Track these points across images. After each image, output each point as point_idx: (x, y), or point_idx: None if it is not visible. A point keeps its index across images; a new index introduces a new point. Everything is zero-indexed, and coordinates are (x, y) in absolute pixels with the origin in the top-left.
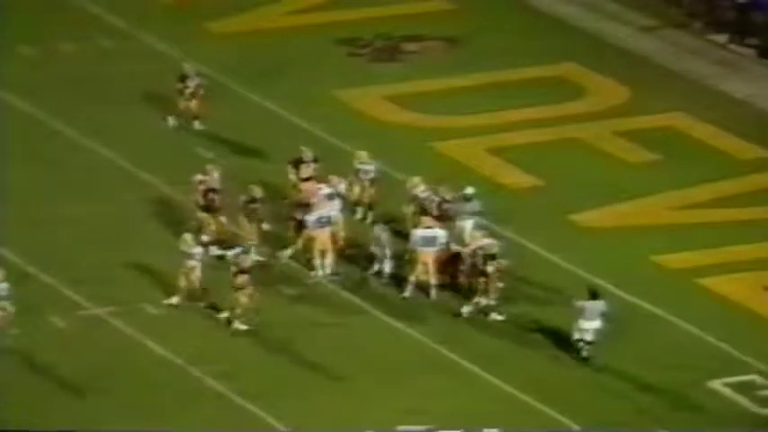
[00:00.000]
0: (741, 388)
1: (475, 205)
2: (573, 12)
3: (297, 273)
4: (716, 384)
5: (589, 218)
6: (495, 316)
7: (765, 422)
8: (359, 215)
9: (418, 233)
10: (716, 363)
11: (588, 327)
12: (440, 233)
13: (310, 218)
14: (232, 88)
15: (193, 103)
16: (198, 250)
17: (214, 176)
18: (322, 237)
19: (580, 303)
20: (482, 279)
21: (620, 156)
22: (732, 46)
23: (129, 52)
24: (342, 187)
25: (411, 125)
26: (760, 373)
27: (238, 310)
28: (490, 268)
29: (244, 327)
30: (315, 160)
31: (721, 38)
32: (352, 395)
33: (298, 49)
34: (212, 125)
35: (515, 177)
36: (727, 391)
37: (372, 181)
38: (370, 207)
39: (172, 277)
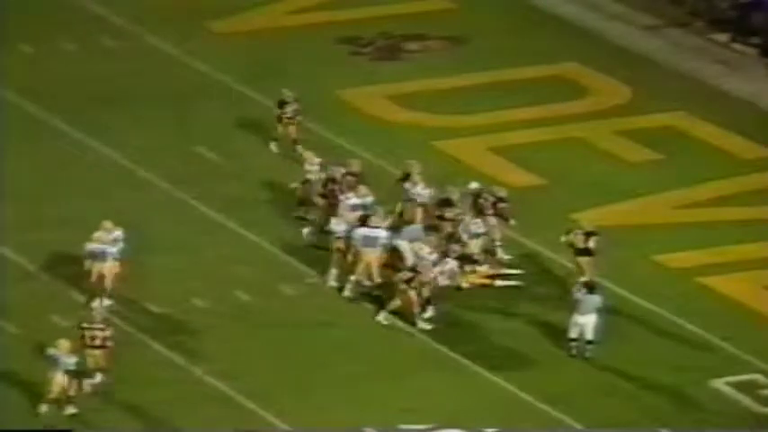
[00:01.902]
0: (743, 387)
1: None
2: (575, 11)
3: (297, 272)
4: (718, 383)
5: (591, 217)
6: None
7: (767, 421)
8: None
9: (360, 232)
10: (718, 362)
11: (583, 321)
12: (382, 234)
13: (343, 228)
14: (234, 87)
15: (292, 129)
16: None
17: (341, 169)
18: (369, 257)
19: (578, 295)
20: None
21: (622, 155)
22: (734, 45)
23: (131, 51)
24: (369, 200)
25: (413, 124)
26: (762, 372)
27: (416, 309)
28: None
29: (428, 326)
30: (296, 100)
31: (723, 37)
32: (353, 394)
33: (299, 48)
34: (214, 124)
35: (517, 176)
36: (730, 391)
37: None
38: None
39: (170, 276)
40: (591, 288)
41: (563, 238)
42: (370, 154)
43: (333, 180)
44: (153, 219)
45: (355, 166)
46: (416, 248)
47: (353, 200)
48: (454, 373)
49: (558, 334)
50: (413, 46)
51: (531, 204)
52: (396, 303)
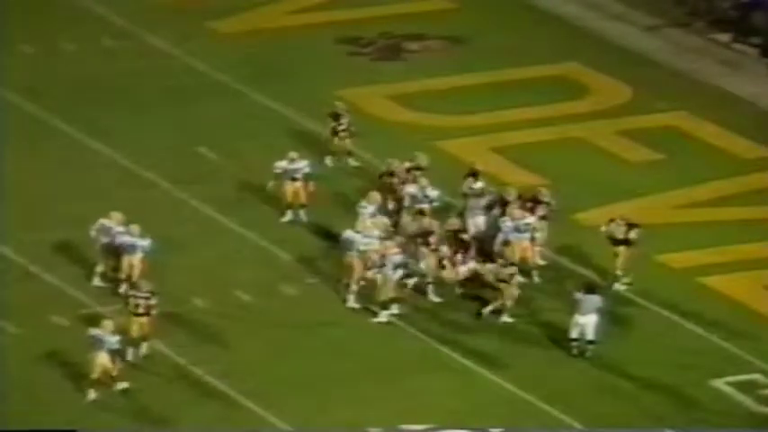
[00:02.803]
0: (744, 387)
1: (485, 200)
2: (575, 11)
3: (297, 272)
4: (718, 383)
5: (592, 217)
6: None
7: (767, 421)
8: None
9: (344, 235)
10: (718, 362)
11: (583, 321)
12: (357, 237)
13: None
14: (234, 87)
15: (346, 141)
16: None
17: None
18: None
19: (577, 295)
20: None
21: (623, 155)
22: (735, 45)
23: (131, 51)
24: (434, 193)
25: (414, 124)
26: (762, 372)
27: (508, 303)
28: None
29: (510, 319)
30: (348, 111)
31: (724, 37)
32: (354, 394)
33: (300, 48)
34: (214, 124)
35: (518, 176)
36: (730, 390)
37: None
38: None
39: (171, 275)
40: (591, 288)
41: (603, 228)
42: (370, 154)
43: (390, 174)
44: (153, 219)
45: (421, 159)
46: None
47: (412, 189)
48: (455, 373)
49: (558, 334)
50: (413, 46)
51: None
52: (499, 302)
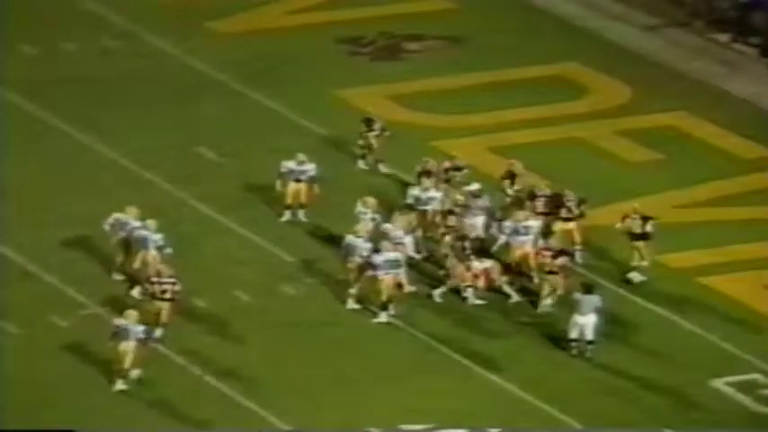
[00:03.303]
0: (743, 387)
1: (485, 201)
2: (575, 11)
3: (297, 272)
4: (718, 383)
5: (591, 217)
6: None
7: (767, 421)
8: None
9: (346, 240)
10: (718, 362)
11: (583, 322)
12: (359, 242)
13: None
14: (234, 87)
15: (377, 147)
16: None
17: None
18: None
19: (576, 296)
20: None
21: (622, 155)
22: (734, 45)
23: (131, 51)
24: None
25: (413, 124)
26: (762, 372)
27: (559, 291)
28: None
29: (549, 309)
30: (379, 118)
31: (723, 37)
32: (354, 394)
33: (299, 48)
34: (214, 124)
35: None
36: (729, 391)
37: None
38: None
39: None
40: (590, 288)
41: (618, 225)
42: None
43: (427, 173)
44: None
45: (460, 160)
46: None
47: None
48: (455, 373)
49: (558, 334)
50: (413, 46)
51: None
52: (548, 290)
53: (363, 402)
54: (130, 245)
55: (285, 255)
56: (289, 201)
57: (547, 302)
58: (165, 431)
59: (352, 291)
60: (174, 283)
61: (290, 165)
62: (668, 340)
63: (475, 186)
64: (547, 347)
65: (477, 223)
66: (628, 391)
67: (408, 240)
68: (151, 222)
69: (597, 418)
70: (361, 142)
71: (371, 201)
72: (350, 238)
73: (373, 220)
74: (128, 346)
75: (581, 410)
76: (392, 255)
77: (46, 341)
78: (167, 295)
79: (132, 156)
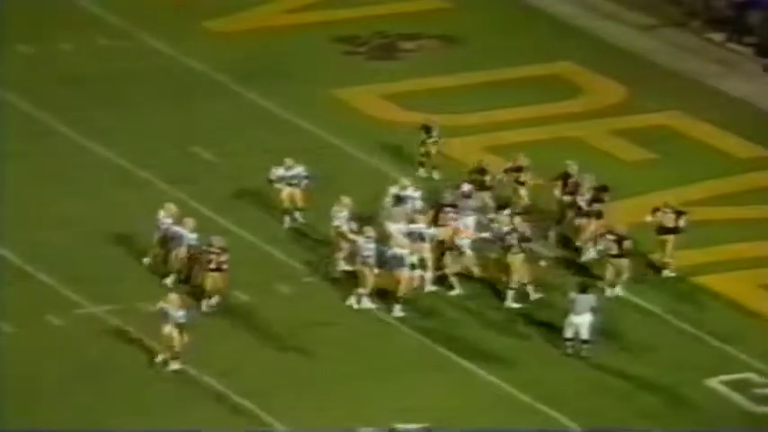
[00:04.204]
0: (738, 386)
1: (476, 201)
2: (570, 10)
3: (294, 271)
4: (713, 382)
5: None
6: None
7: (762, 420)
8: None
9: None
10: (712, 361)
11: (578, 321)
12: (365, 246)
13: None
14: (229, 87)
15: (434, 153)
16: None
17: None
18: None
19: (572, 295)
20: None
21: (618, 154)
22: (730, 45)
23: (127, 51)
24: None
25: (408, 123)
26: (757, 371)
27: (625, 275)
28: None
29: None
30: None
31: (719, 37)
32: (350, 393)
33: (295, 47)
34: (210, 123)
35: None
36: (724, 390)
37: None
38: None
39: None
40: (585, 288)
41: (648, 218)
42: (364, 153)
43: (481, 171)
44: (149, 218)
45: (522, 160)
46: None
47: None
48: (450, 372)
49: (555, 333)
50: (408, 45)
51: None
52: (612, 275)
53: (360, 401)
54: (167, 241)
55: (281, 254)
56: (285, 205)
57: (616, 290)
58: (161, 431)
59: (361, 291)
60: (219, 254)
61: (279, 171)
62: (663, 339)
63: (466, 187)
64: (542, 347)
65: (468, 223)
66: (623, 390)
67: (431, 233)
68: (189, 221)
69: (592, 417)
70: (421, 150)
71: (347, 201)
72: (357, 239)
73: (349, 220)
74: (168, 330)
75: (576, 409)
76: (404, 252)
77: (41, 340)
78: (213, 266)
79: (128, 155)
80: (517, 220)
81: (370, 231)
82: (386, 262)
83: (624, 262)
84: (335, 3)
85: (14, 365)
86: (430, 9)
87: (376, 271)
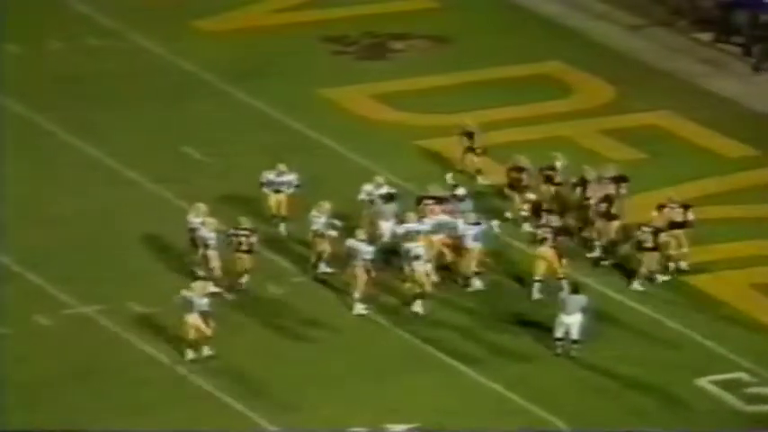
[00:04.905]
0: (728, 385)
1: (467, 204)
2: (559, 10)
3: (283, 272)
4: (703, 382)
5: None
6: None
7: (752, 420)
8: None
9: (348, 243)
10: (703, 360)
11: (569, 321)
12: (361, 246)
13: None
14: (219, 86)
15: (478, 160)
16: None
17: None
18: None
19: (562, 295)
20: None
21: (607, 154)
22: (718, 44)
23: (117, 50)
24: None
25: (397, 123)
26: (747, 370)
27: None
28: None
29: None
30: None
31: (707, 36)
32: (339, 394)
33: (284, 46)
34: (200, 123)
35: (502, 176)
36: (714, 389)
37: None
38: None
39: (156, 275)
40: (576, 288)
41: (654, 214)
42: (354, 153)
43: (518, 169)
44: (139, 218)
45: (559, 160)
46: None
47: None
48: (440, 372)
49: (544, 332)
50: (397, 45)
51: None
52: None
53: (349, 402)
54: (197, 242)
55: (271, 254)
56: (273, 211)
57: (661, 278)
58: (147, 431)
59: (356, 295)
60: (248, 235)
61: (269, 176)
62: (653, 339)
63: (461, 190)
64: (532, 347)
65: (459, 225)
66: (613, 390)
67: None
68: (210, 220)
69: (582, 417)
70: (464, 156)
71: (326, 205)
72: (351, 242)
73: (332, 226)
74: (193, 318)
75: (566, 410)
76: (419, 247)
77: (32, 340)
78: (244, 247)
79: (118, 155)
80: (553, 217)
81: (362, 234)
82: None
83: (656, 255)
84: (325, 2)
85: (2, 366)
86: (419, 9)
87: (374, 274)
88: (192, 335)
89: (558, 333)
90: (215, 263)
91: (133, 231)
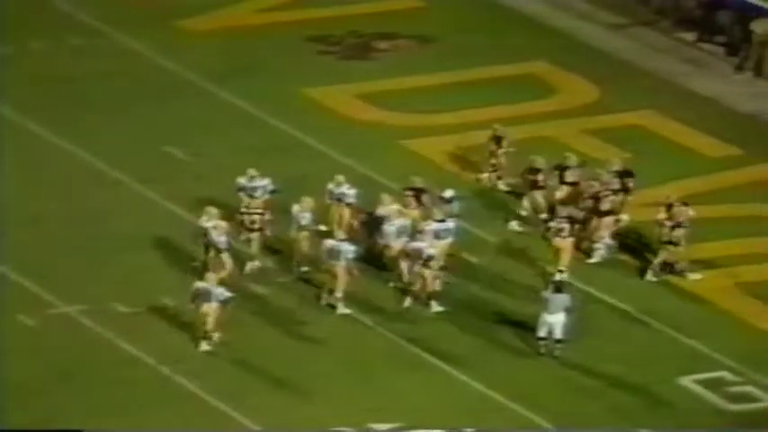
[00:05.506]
0: (711, 384)
1: (455, 207)
2: (543, 10)
3: (267, 271)
4: (686, 381)
5: None
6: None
7: (735, 419)
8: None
9: (327, 244)
10: (685, 359)
11: (551, 320)
12: (346, 247)
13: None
14: (203, 86)
15: (502, 163)
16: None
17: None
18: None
19: (545, 294)
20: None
21: (591, 154)
22: (700, 44)
23: (100, 50)
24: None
25: (382, 123)
26: (730, 369)
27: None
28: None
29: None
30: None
31: (690, 36)
32: (322, 393)
33: (269, 46)
34: (183, 123)
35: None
36: (698, 388)
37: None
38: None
39: (140, 275)
40: (559, 287)
41: (662, 216)
42: (338, 153)
43: (535, 170)
44: (123, 218)
45: (571, 161)
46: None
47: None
48: (423, 371)
49: (528, 332)
50: (382, 45)
51: (501, 202)
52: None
53: (333, 402)
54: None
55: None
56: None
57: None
58: (131, 431)
59: (338, 294)
60: (262, 214)
61: (242, 180)
62: (636, 338)
63: (449, 192)
64: (515, 346)
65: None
66: (596, 389)
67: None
68: (221, 224)
69: (565, 416)
70: (492, 161)
71: (308, 201)
72: (330, 242)
73: (311, 223)
74: (210, 308)
75: (549, 409)
76: (426, 246)
77: (15, 340)
78: (257, 226)
79: (101, 155)
80: (568, 208)
81: (341, 233)
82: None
83: (674, 250)
84: (309, 2)
85: None
86: (404, 8)
87: (356, 273)
88: (209, 325)
89: (541, 332)
90: (228, 266)
91: (118, 232)
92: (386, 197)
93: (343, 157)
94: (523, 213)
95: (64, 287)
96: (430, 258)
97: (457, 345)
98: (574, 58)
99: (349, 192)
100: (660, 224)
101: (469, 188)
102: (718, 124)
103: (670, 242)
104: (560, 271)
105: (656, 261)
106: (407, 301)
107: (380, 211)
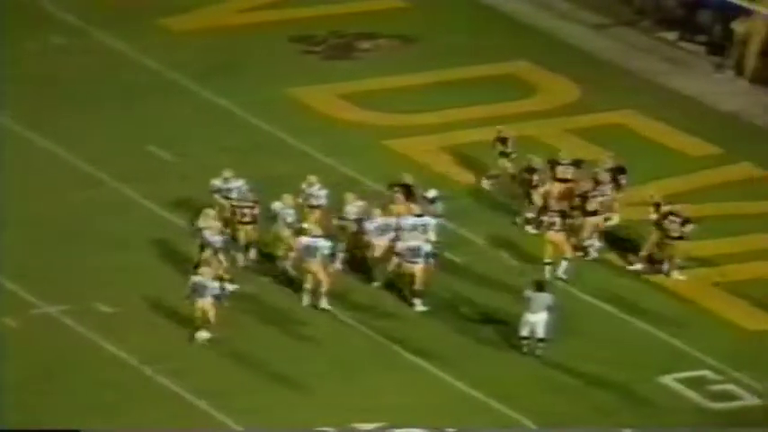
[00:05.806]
0: (692, 383)
1: (438, 207)
2: (525, 10)
3: (250, 270)
4: (667, 380)
5: None
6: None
7: (716, 417)
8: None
9: (302, 241)
10: (667, 358)
11: (534, 320)
12: (320, 243)
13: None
14: (185, 85)
15: (511, 164)
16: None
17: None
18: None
19: (528, 294)
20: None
21: (573, 153)
22: (682, 43)
23: (82, 49)
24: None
25: (364, 123)
26: (711, 368)
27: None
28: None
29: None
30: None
31: (671, 35)
32: (306, 393)
33: (251, 46)
34: (166, 122)
35: (468, 175)
36: (679, 387)
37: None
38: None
39: (122, 275)
40: (541, 286)
41: (654, 217)
42: (320, 152)
43: (531, 170)
44: (104, 217)
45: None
46: None
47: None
48: (406, 371)
49: (510, 331)
50: (365, 44)
51: (483, 202)
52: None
53: (316, 400)
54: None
55: (238, 253)
56: (227, 216)
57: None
58: (116, 430)
59: (307, 286)
60: (252, 207)
61: (216, 182)
62: (618, 337)
63: (432, 193)
64: (497, 346)
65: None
66: (577, 388)
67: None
68: (216, 225)
69: (548, 415)
70: (499, 163)
71: (289, 198)
72: (306, 240)
73: (292, 219)
74: (205, 303)
75: (531, 407)
76: (419, 243)
77: None
78: (247, 219)
79: (83, 154)
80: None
81: (317, 230)
82: (400, 255)
83: (680, 245)
84: (292, 2)
85: None
86: (387, 8)
87: (333, 269)
88: (204, 318)
89: (524, 332)
90: (225, 264)
91: (99, 231)
92: (349, 195)
93: (326, 156)
94: (530, 215)
95: (46, 287)
96: (429, 256)
97: (440, 344)
98: (555, 58)
99: (320, 192)
100: (658, 222)
101: (452, 188)
102: (700, 123)
103: (680, 237)
104: (546, 263)
105: (642, 254)
106: (377, 284)
107: (348, 208)
